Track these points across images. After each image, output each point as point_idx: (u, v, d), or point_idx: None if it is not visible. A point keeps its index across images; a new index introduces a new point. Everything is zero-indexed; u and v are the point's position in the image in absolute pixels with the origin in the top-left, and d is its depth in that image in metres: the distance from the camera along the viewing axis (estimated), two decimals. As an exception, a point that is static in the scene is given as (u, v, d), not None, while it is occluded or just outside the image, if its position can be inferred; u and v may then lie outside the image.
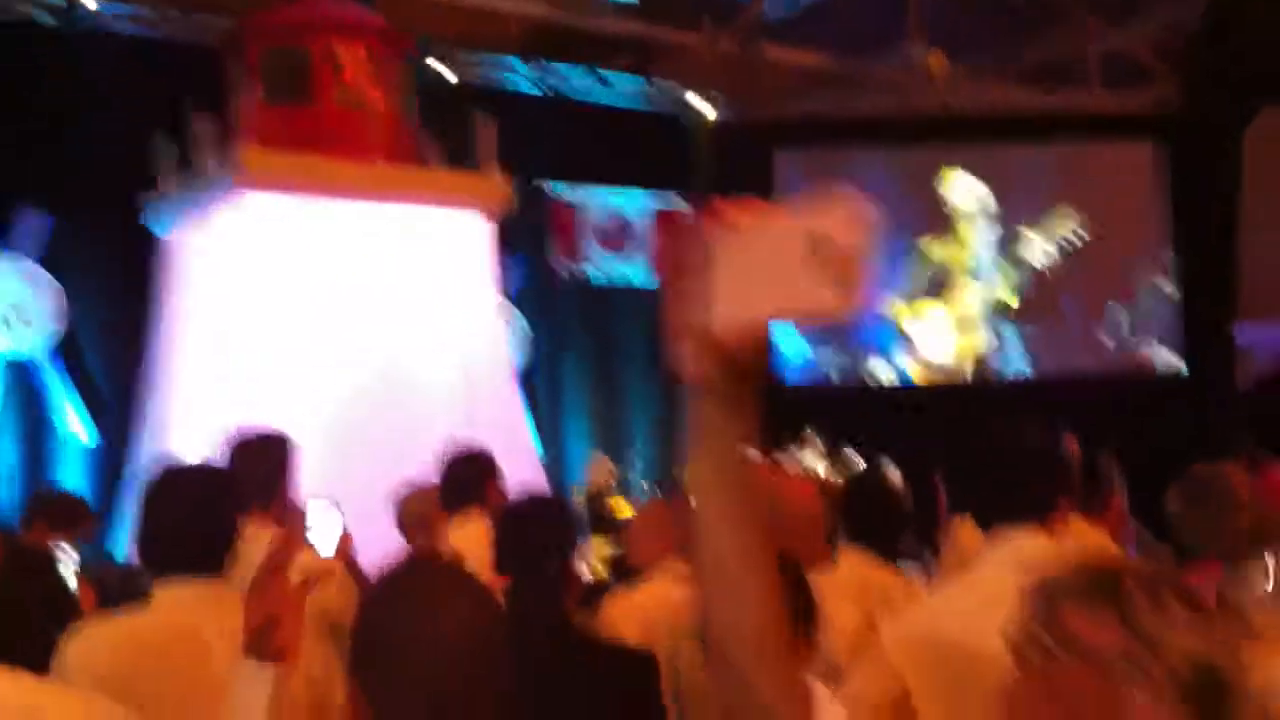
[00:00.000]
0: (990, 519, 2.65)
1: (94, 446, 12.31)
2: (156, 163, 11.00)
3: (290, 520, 4.06)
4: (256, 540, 3.44)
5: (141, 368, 11.42)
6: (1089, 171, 16.46)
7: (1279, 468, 7.05)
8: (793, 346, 16.62)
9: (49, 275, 12.23)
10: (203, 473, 2.94)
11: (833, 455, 13.76)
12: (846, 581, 3.79)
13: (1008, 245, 16.73)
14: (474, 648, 1.75)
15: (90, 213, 12.01)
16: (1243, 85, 14.85)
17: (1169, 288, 16.59)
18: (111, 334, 12.30)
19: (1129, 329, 16.70)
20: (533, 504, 3.38)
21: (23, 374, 12.20)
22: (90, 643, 2.59)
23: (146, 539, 2.72)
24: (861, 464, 13.42)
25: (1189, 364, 16.49)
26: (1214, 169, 15.80)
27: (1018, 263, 16.72)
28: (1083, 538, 4.16)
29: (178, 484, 2.80)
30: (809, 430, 13.88)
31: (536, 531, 3.14)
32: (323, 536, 4.78)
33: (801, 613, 2.44)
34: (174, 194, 11.02)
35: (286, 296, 10.26)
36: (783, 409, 15.26)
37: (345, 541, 4.58)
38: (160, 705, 2.47)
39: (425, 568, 2.13)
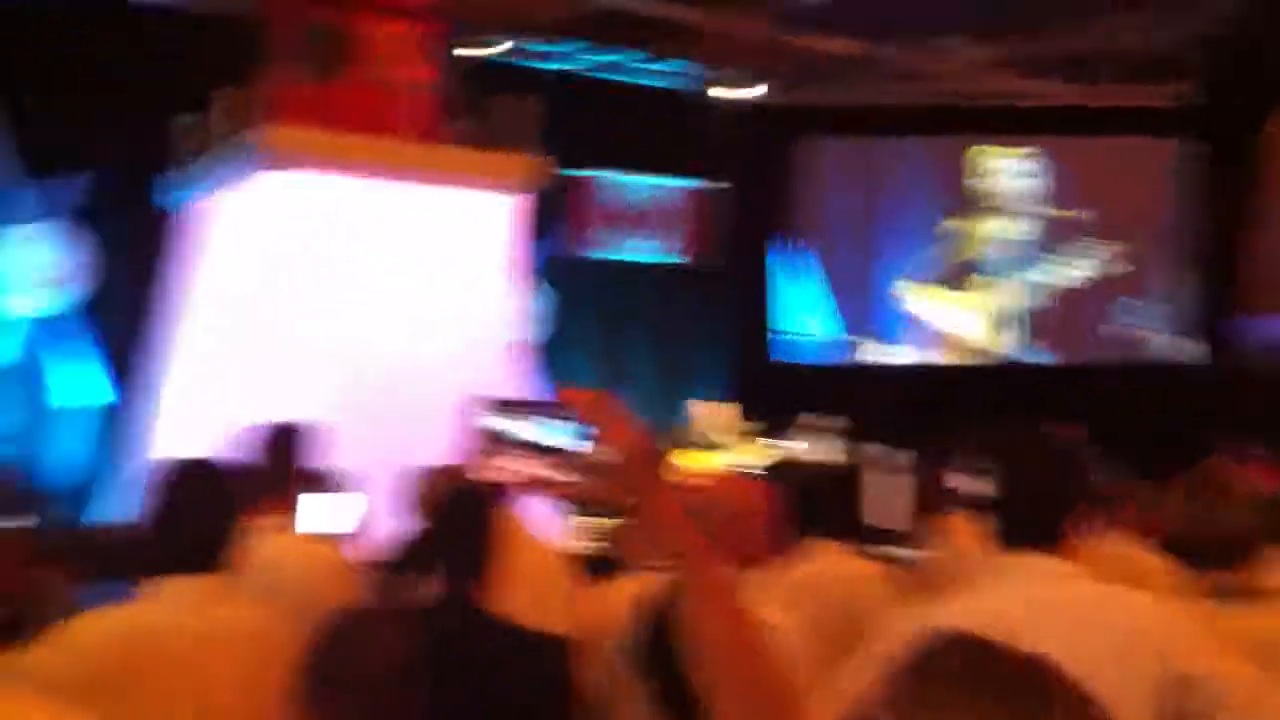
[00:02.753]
0: (1005, 531, 2.51)
1: (108, 406, 12.50)
2: (185, 135, 11.15)
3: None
4: (266, 528, 3.58)
5: (158, 333, 11.64)
6: (1112, 164, 16.48)
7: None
8: (818, 325, 16.71)
9: (77, 239, 12.41)
10: (205, 472, 2.90)
11: (844, 440, 13.79)
12: (802, 581, 3.73)
13: (1040, 252, 16.80)
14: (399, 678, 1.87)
15: (120, 181, 12.11)
16: (1260, 85, 14.80)
17: (1187, 281, 16.62)
18: (133, 298, 12.45)
19: (1146, 320, 16.75)
20: (457, 498, 3.45)
21: (45, 332, 12.39)
22: (84, 635, 2.61)
23: (149, 536, 2.76)
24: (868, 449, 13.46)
25: (1205, 355, 16.54)
26: (1230, 166, 15.77)
27: (1052, 273, 16.79)
28: (1105, 560, 3.97)
29: (181, 483, 2.82)
30: (816, 415, 13.92)
31: (461, 524, 3.21)
32: (340, 518, 4.89)
33: None
34: (200, 166, 11.17)
35: (303, 273, 10.38)
36: (796, 390, 15.42)
37: (364, 520, 4.68)
38: (144, 698, 2.53)
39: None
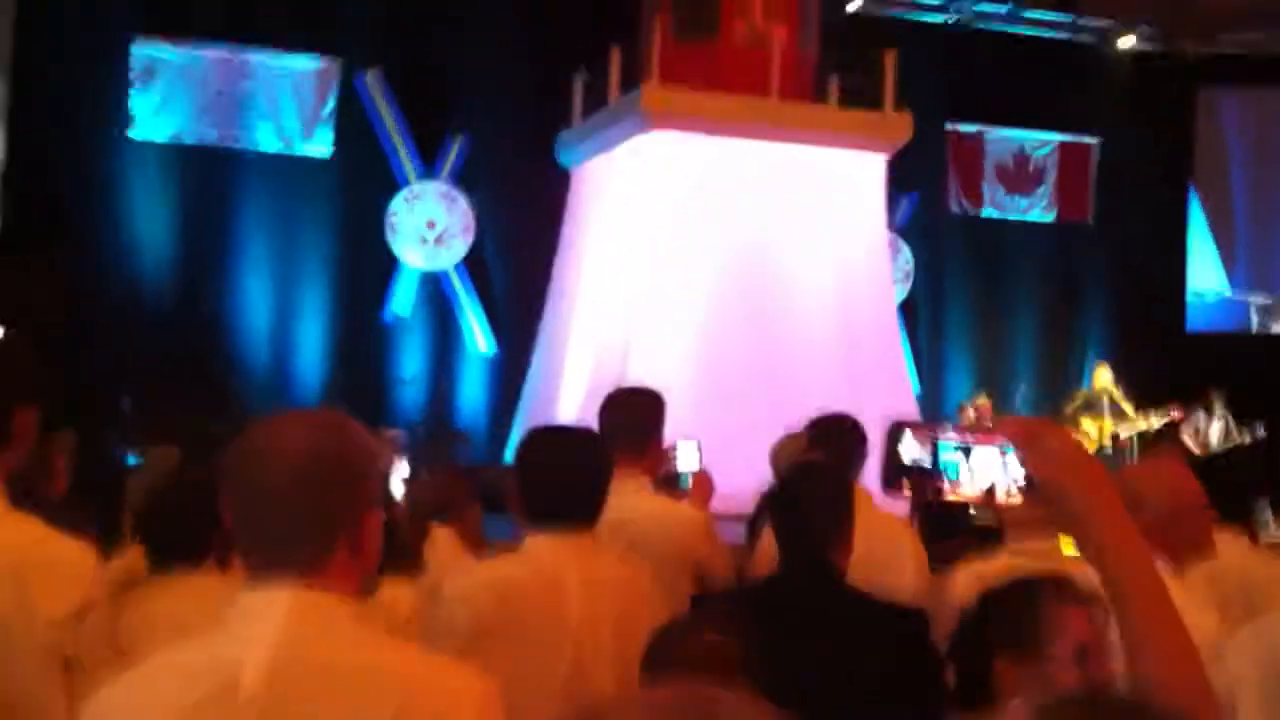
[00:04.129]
0: None
1: (493, 355, 13.21)
2: (569, 97, 11.65)
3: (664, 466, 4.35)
4: (625, 488, 3.76)
5: (540, 286, 12.20)
6: None
7: None
8: (1208, 282, 15.74)
9: (463, 196, 13.14)
10: (576, 437, 3.16)
11: (1239, 418, 13.01)
12: (1219, 577, 3.39)
13: None
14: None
15: (503, 140, 12.75)
16: None
17: None
18: (515, 253, 13.08)
19: None
20: (807, 472, 3.50)
21: (433, 286, 13.18)
22: (469, 582, 2.97)
23: (524, 495, 2.99)
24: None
25: None
26: None
27: None
28: None
29: (553, 448, 3.07)
30: (1211, 390, 13.18)
31: (810, 500, 3.27)
32: (694, 475, 5.01)
33: None
34: (583, 127, 11.65)
35: (681, 230, 10.69)
36: (1185, 358, 14.59)
37: (702, 482, 4.79)
38: (522, 642, 2.78)
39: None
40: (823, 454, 4.61)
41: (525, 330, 12.33)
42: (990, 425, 12.50)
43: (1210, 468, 4.32)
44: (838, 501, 3.28)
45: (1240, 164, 15.71)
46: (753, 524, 4.99)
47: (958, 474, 1.58)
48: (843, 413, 4.82)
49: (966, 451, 1.58)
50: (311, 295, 12.77)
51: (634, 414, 4.01)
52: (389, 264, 13.01)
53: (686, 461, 4.96)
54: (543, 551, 2.92)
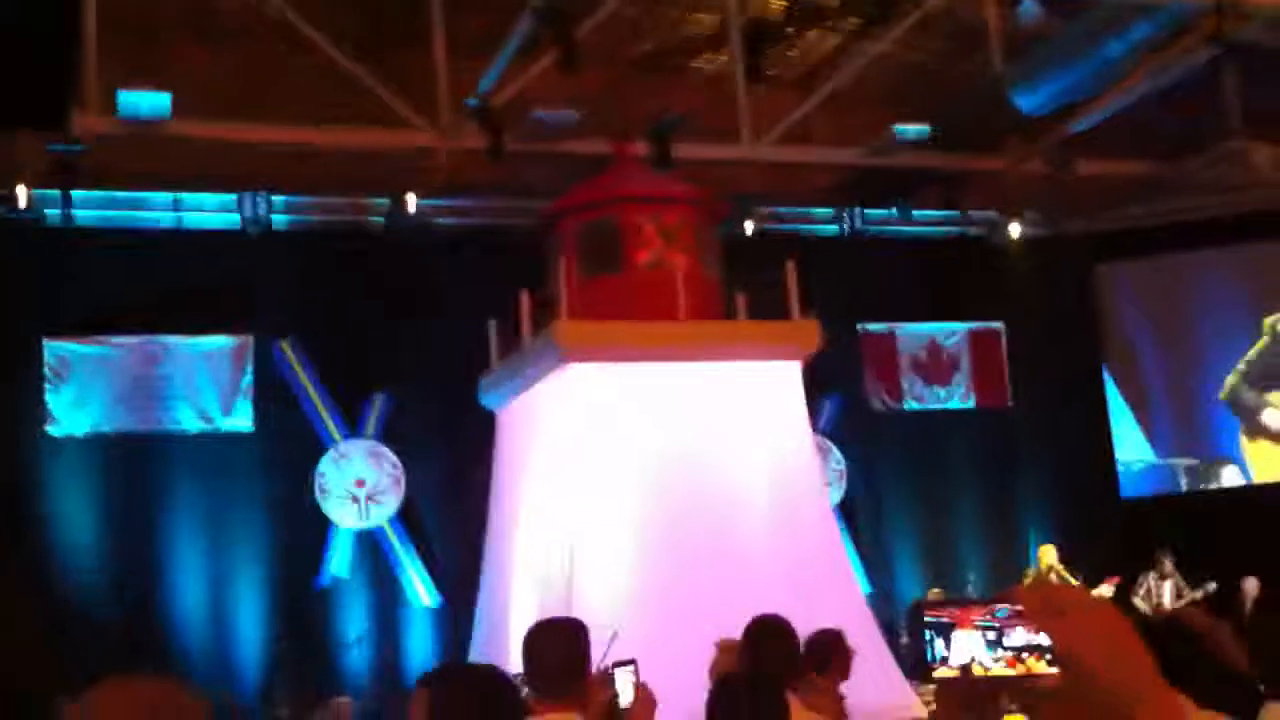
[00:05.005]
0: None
1: (437, 606, 13.09)
2: (487, 342, 11.87)
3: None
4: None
5: (476, 532, 12.14)
6: None
7: None
8: (1132, 451, 15.97)
9: (391, 452, 13.24)
10: (488, 680, 3.16)
11: (1186, 576, 13.11)
12: None
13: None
14: None
15: (425, 392, 13.01)
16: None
17: None
18: (448, 501, 13.14)
19: None
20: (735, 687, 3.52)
21: (369, 545, 13.12)
22: None
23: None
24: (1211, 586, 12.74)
25: None
26: None
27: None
28: None
29: (463, 691, 3.03)
30: (1159, 551, 13.31)
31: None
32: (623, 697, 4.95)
33: None
34: (502, 369, 11.83)
35: (609, 454, 10.78)
36: (1124, 526, 14.72)
37: (644, 699, 4.73)
38: None
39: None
40: (756, 661, 4.61)
41: (467, 577, 12.23)
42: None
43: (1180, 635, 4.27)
44: (766, 714, 3.27)
45: (1146, 331, 16.17)
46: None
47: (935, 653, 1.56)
48: (774, 616, 4.82)
49: (947, 630, 1.56)
50: (247, 568, 12.62)
51: (554, 649, 3.98)
52: (323, 528, 12.93)
53: (625, 684, 4.91)
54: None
